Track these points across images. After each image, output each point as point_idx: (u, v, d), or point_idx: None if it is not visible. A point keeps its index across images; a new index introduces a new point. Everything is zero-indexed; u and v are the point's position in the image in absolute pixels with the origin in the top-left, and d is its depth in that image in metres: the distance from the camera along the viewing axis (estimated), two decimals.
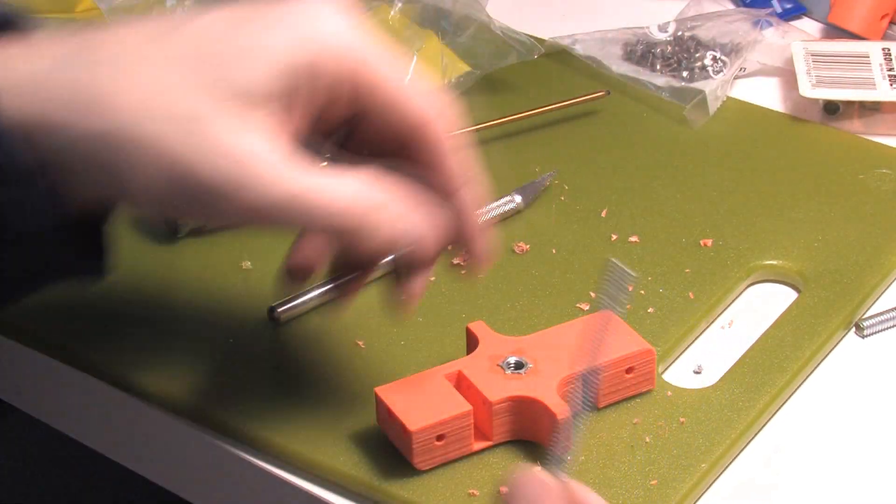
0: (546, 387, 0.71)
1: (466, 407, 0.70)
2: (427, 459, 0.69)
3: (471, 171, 0.66)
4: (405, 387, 0.70)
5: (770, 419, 0.75)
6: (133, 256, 0.83)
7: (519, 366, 0.72)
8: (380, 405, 0.70)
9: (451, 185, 0.65)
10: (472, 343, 0.74)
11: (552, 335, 0.74)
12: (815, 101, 0.97)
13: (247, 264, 0.83)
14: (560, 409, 0.69)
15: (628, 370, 0.73)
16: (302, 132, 0.63)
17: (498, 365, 0.72)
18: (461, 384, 0.71)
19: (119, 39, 0.60)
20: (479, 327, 0.74)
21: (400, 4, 1.00)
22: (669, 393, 0.75)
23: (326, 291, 0.78)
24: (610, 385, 0.73)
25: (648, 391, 0.75)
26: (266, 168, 0.59)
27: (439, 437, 0.69)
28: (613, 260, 0.62)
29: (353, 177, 0.62)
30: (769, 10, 1.05)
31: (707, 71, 0.99)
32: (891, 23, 1.04)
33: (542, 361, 0.72)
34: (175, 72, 0.59)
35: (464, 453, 0.70)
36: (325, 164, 0.64)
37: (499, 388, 0.71)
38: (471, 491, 0.70)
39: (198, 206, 0.60)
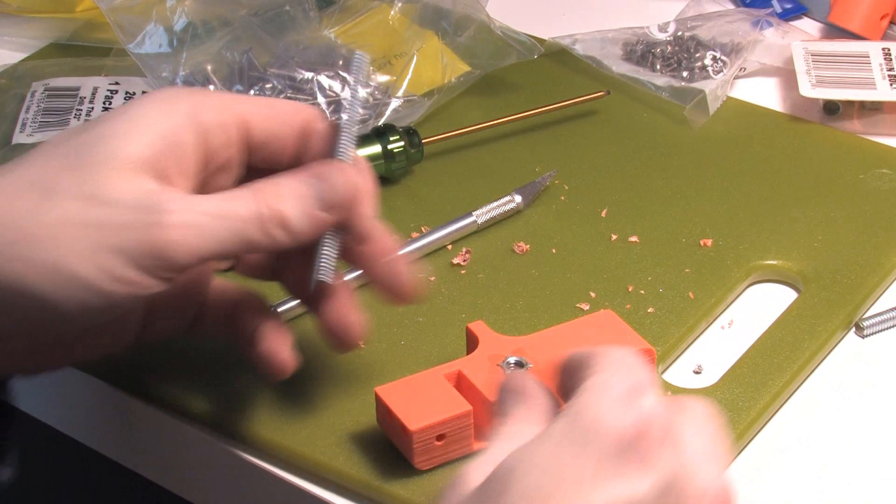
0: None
1: (466, 407, 0.69)
2: (427, 459, 0.69)
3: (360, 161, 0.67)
4: (405, 387, 0.70)
5: (770, 419, 0.75)
6: None
7: (519, 365, 0.72)
8: (380, 405, 0.70)
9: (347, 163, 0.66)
10: (471, 343, 0.74)
11: (552, 335, 0.74)
12: (815, 101, 0.97)
13: None
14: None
15: None
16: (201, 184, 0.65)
17: (498, 365, 0.72)
18: (461, 384, 0.71)
19: None
20: (478, 327, 0.74)
21: (400, 4, 1.00)
22: (669, 393, 0.75)
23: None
24: None
25: None
26: (175, 196, 0.61)
27: (439, 437, 0.69)
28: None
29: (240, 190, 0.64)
30: (769, 10, 1.05)
31: (707, 71, 0.99)
32: (891, 23, 1.04)
33: (542, 361, 0.72)
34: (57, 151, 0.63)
35: (464, 453, 0.70)
36: None
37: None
38: None
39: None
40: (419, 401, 0.69)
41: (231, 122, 0.65)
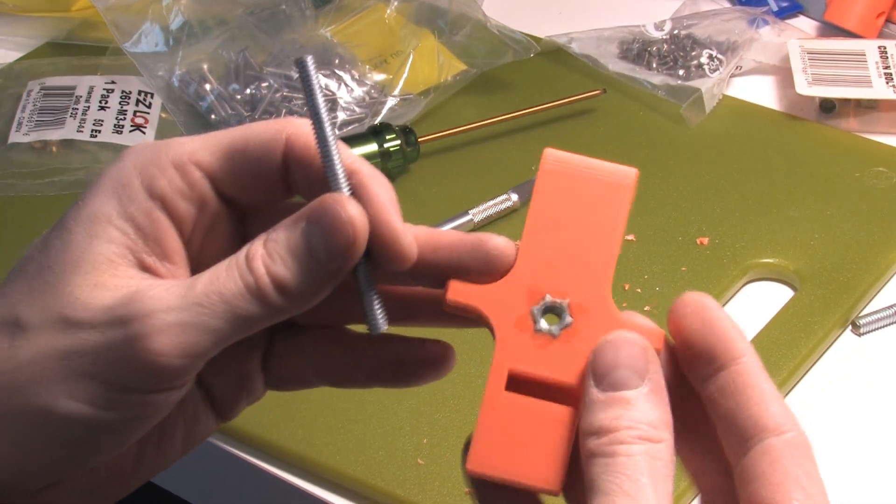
0: (609, 318, 0.53)
1: (564, 409, 0.51)
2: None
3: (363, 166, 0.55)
4: (490, 443, 0.52)
5: None
6: None
7: (555, 312, 0.53)
8: (483, 481, 0.52)
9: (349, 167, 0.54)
10: (463, 312, 0.54)
11: (539, 238, 0.54)
12: (812, 99, 0.97)
13: None
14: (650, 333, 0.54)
15: None
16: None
17: (535, 331, 0.52)
18: (525, 385, 0.52)
19: None
20: (460, 292, 0.53)
21: (396, 3, 1.00)
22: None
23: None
24: None
25: None
26: (152, 293, 0.53)
27: None
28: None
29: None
30: (765, 9, 1.06)
31: (703, 69, 0.99)
32: (887, 21, 1.04)
33: (572, 286, 0.53)
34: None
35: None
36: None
37: (568, 364, 0.52)
38: (468, 490, 0.70)
39: None
40: (519, 448, 0.52)
41: (194, 179, 0.55)
